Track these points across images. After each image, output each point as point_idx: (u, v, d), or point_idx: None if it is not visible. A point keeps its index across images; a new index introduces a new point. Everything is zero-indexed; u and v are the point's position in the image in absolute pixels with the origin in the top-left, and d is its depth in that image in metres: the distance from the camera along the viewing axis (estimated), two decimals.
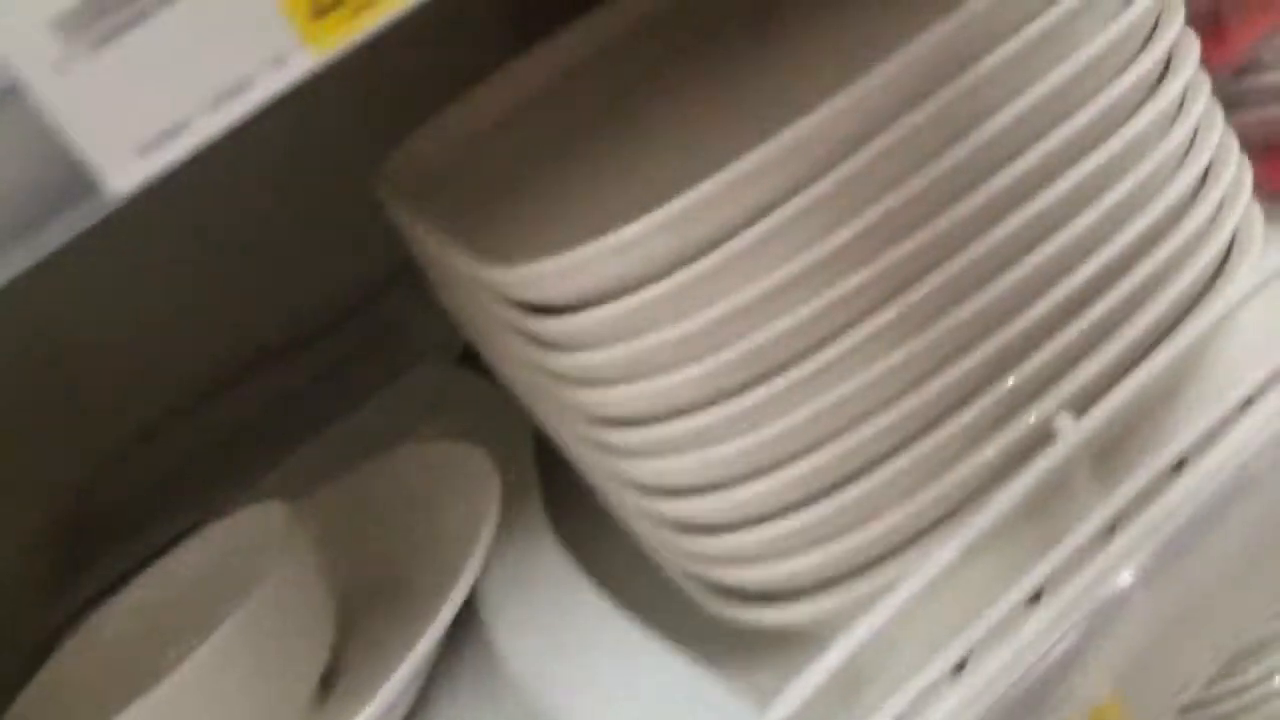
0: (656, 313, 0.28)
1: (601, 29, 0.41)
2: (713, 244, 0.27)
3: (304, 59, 0.19)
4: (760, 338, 0.28)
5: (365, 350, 0.49)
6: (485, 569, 0.36)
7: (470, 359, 0.42)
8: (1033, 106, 0.28)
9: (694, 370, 0.28)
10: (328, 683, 0.37)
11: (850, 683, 0.29)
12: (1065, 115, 0.29)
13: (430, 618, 0.33)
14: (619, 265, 0.27)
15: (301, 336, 0.50)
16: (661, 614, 0.34)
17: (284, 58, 0.18)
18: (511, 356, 0.33)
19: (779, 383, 0.29)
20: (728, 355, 0.28)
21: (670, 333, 0.28)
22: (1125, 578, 0.31)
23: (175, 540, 0.43)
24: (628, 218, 0.27)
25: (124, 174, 0.19)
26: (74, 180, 0.18)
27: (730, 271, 0.27)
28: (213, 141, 0.19)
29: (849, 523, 0.30)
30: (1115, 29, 0.28)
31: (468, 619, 0.36)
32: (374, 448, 0.43)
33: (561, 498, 0.39)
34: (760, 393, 0.29)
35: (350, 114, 0.45)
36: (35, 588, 0.48)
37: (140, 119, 0.18)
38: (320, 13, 0.18)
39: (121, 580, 0.43)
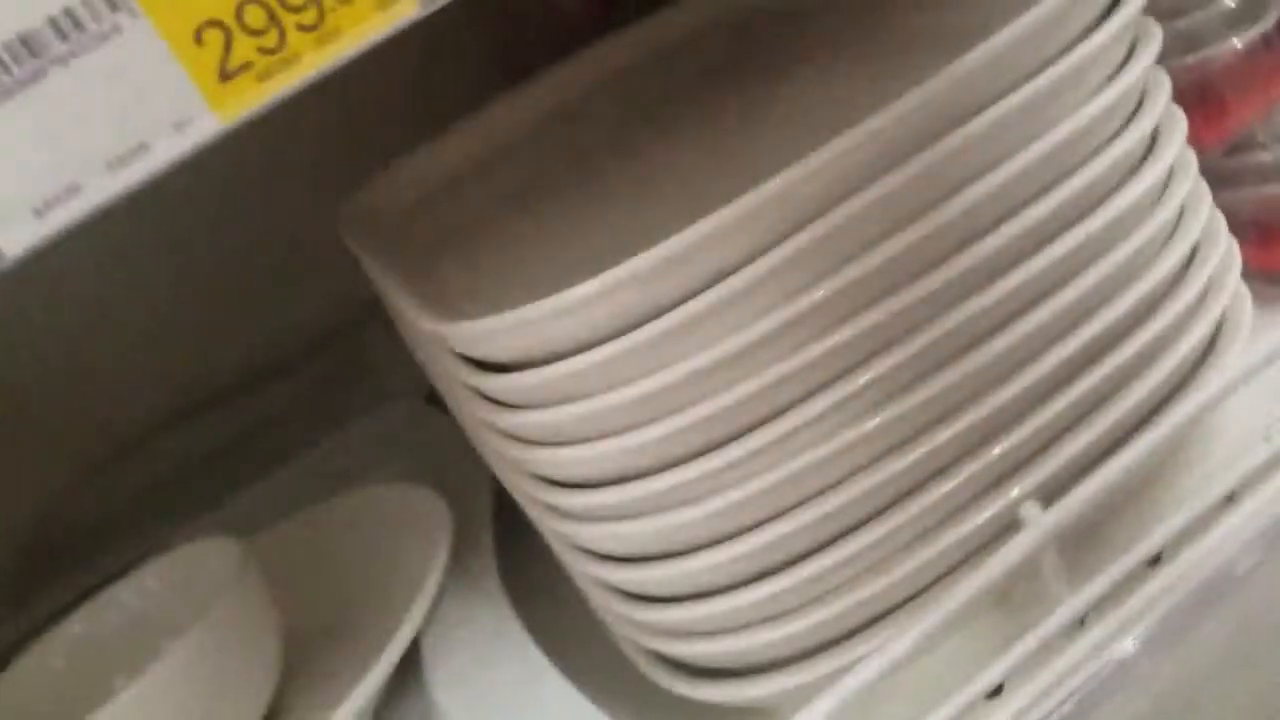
0: (610, 373, 0.27)
1: (577, 76, 0.40)
2: (673, 304, 0.26)
3: (209, 123, 0.18)
4: (718, 403, 0.27)
5: (334, 383, 0.48)
6: (431, 616, 0.35)
7: (437, 398, 0.41)
8: (1012, 178, 0.27)
9: (649, 433, 0.27)
10: None
11: None
12: (1045, 189, 0.28)
13: (374, 662, 0.33)
14: (567, 325, 0.26)
15: (271, 367, 0.50)
16: (608, 676, 0.32)
17: (187, 122, 0.17)
18: (461, 407, 0.32)
19: (735, 450, 0.27)
20: (682, 419, 0.27)
21: (624, 394, 0.27)
22: (1093, 675, 0.29)
23: (132, 565, 0.42)
24: (584, 274, 0.26)
25: (16, 236, 0.18)
26: None
27: (688, 334, 0.26)
28: (110, 204, 0.18)
29: (806, 600, 0.29)
30: (1098, 104, 0.27)
31: (414, 664, 0.36)
32: (338, 481, 0.42)
33: (519, 544, 0.38)
34: (716, 460, 0.27)
35: (328, 143, 0.44)
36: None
37: (34, 181, 0.17)
38: (226, 77, 0.17)
39: (79, 600, 0.42)
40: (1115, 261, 0.28)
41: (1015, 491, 0.28)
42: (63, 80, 0.17)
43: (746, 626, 0.29)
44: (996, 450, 0.29)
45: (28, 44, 0.17)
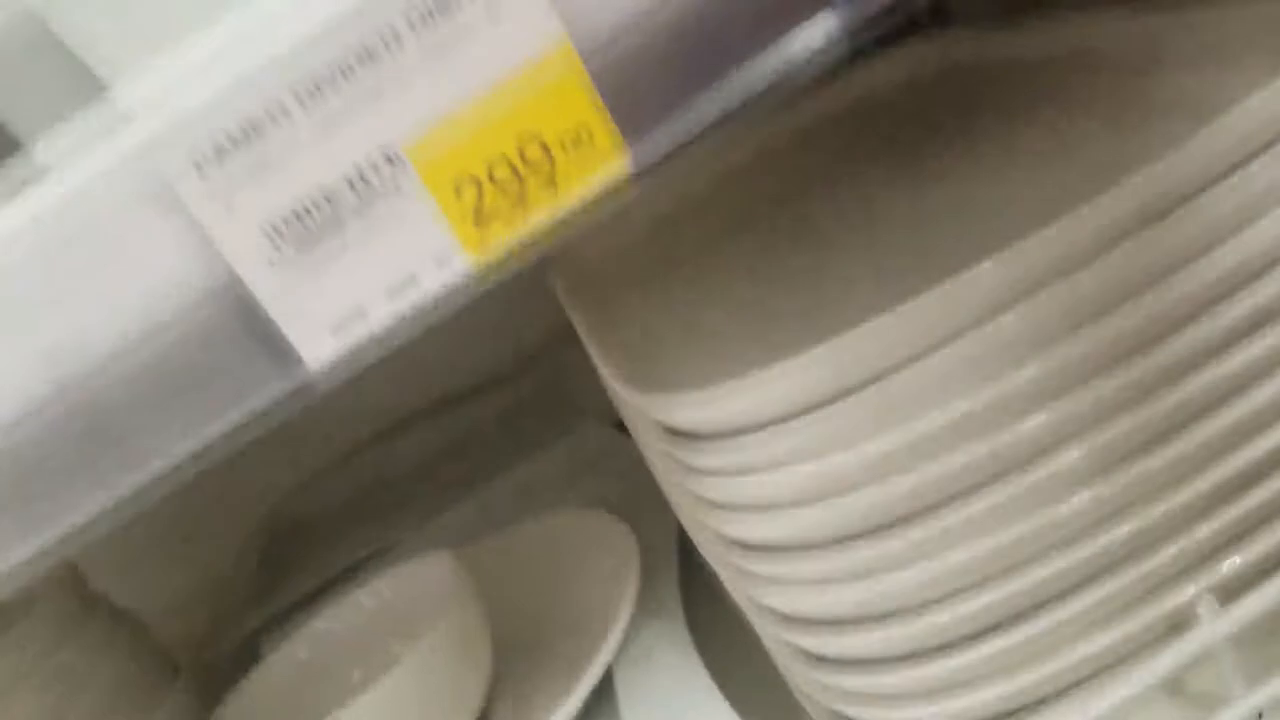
0: (811, 443, 0.28)
1: (790, 122, 0.42)
2: (869, 381, 0.27)
3: (463, 260, 0.21)
4: (921, 477, 0.28)
5: (536, 403, 0.53)
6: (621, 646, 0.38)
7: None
8: (1238, 261, 0.27)
9: (840, 506, 0.28)
10: None
11: None
12: (1269, 270, 0.27)
13: (570, 689, 0.36)
14: (772, 397, 0.27)
15: (476, 386, 0.55)
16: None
17: (446, 260, 0.21)
18: (654, 463, 0.35)
19: (946, 518, 0.28)
20: (900, 485, 0.28)
21: (818, 466, 0.28)
22: None
23: (359, 563, 0.48)
24: (784, 347, 0.27)
25: (318, 350, 0.22)
26: (280, 354, 0.22)
27: (908, 399, 0.27)
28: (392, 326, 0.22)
29: (985, 673, 0.29)
30: None
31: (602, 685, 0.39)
32: (535, 500, 0.46)
33: (702, 570, 0.41)
34: (923, 529, 0.28)
35: None
36: (240, 594, 0.54)
37: (331, 306, 0.22)
38: (479, 223, 0.21)
39: (308, 598, 0.48)
40: None
41: (1192, 588, 0.28)
42: (355, 226, 0.21)
43: (915, 699, 0.30)
44: (1183, 541, 0.28)
45: (329, 198, 0.21)
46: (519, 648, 0.42)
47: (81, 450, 0.22)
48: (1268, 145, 0.27)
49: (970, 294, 0.26)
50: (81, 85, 0.22)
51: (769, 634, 0.33)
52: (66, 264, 0.21)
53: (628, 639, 0.38)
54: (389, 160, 0.21)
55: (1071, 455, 0.27)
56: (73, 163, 0.20)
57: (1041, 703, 0.29)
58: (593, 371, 0.43)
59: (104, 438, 0.22)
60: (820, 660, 0.32)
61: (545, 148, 0.21)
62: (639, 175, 0.21)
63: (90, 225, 0.21)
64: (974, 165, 0.36)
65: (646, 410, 0.31)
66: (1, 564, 0.22)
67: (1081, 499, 0.28)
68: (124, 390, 0.22)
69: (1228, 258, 0.27)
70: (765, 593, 0.31)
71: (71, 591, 0.47)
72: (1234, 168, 0.27)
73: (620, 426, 0.49)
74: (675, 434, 0.31)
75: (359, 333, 0.22)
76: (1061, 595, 0.29)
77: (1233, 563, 0.29)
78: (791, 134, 0.42)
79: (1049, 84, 0.38)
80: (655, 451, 0.33)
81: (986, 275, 0.26)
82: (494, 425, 0.53)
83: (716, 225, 0.40)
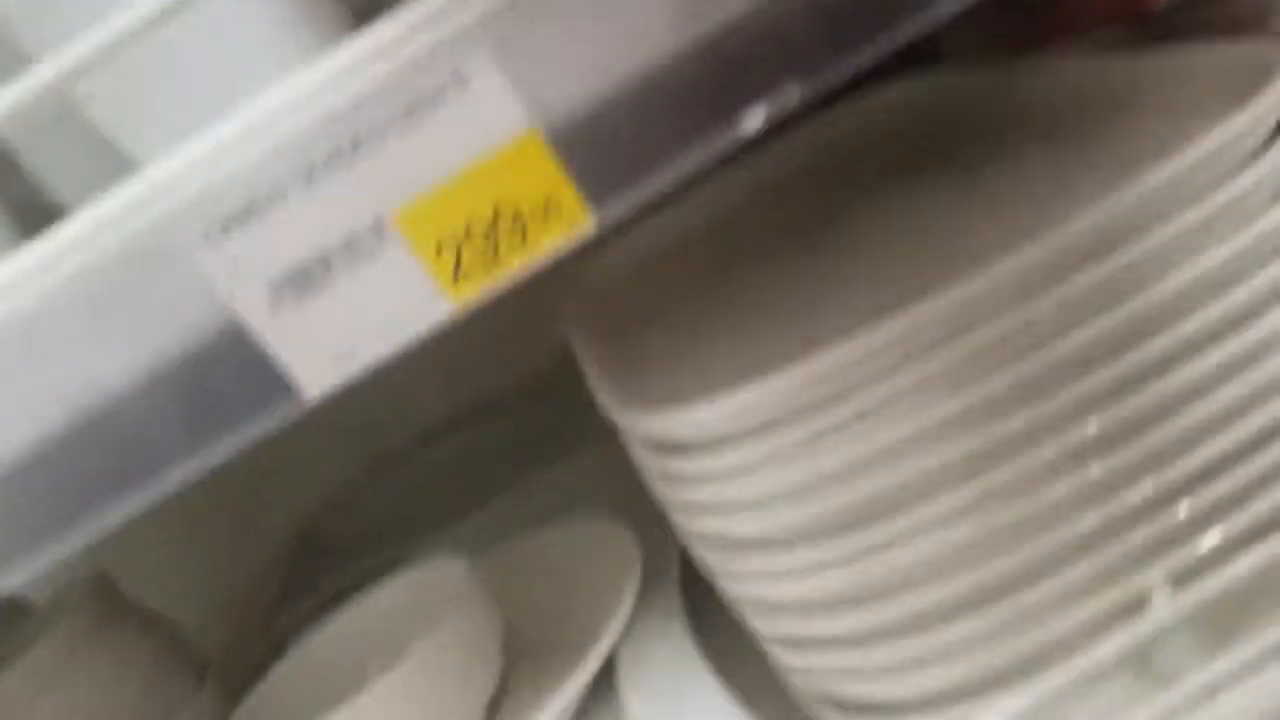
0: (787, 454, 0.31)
1: (791, 153, 0.44)
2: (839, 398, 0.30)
3: (445, 306, 0.24)
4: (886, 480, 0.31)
5: (542, 423, 0.56)
6: (624, 640, 0.41)
7: None
8: (1194, 277, 0.30)
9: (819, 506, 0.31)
10: None
11: None
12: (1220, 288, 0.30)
13: (570, 674, 0.39)
14: (750, 412, 0.30)
15: (486, 407, 0.57)
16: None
17: (430, 306, 0.24)
18: (642, 467, 0.38)
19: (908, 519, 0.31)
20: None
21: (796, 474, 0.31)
22: None
23: (381, 569, 0.51)
24: (756, 367, 0.30)
25: (315, 384, 0.25)
26: (280, 388, 0.24)
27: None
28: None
29: (960, 650, 0.32)
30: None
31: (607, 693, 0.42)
32: (542, 513, 0.49)
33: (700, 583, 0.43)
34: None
35: None
36: (267, 600, 0.57)
37: (326, 347, 0.24)
38: (458, 277, 0.24)
39: (333, 601, 0.51)
40: None
41: (1156, 571, 0.31)
42: (348, 281, 0.24)
43: (891, 674, 0.33)
44: (1141, 531, 0.31)
45: (326, 258, 0.24)
46: (528, 645, 0.44)
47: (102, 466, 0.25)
48: (1218, 180, 0.30)
49: (933, 315, 0.29)
50: (112, 163, 0.25)
51: (757, 625, 0.36)
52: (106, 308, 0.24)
53: (631, 631, 0.41)
54: (377, 226, 0.23)
55: (1041, 457, 0.30)
56: (106, 226, 0.23)
57: (1008, 679, 0.31)
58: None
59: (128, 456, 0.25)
60: (804, 643, 0.34)
61: (517, 215, 0.23)
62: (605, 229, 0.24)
63: (121, 281, 0.24)
64: (964, 196, 0.39)
65: (628, 425, 0.33)
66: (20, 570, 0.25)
67: (1043, 496, 0.30)
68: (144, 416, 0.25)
69: (1186, 274, 0.30)
70: (750, 584, 0.34)
71: (102, 595, 0.49)
72: (1186, 200, 0.30)
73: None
74: (656, 445, 0.33)
75: (351, 369, 0.24)
76: (1027, 580, 0.31)
77: (1189, 550, 0.31)
78: (788, 167, 0.44)
79: (1035, 121, 0.40)
80: (640, 459, 0.35)
81: (947, 299, 0.29)
82: (501, 445, 0.56)
83: (716, 257, 0.43)
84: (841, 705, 0.35)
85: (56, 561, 0.26)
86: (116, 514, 0.26)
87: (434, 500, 0.56)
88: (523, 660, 0.44)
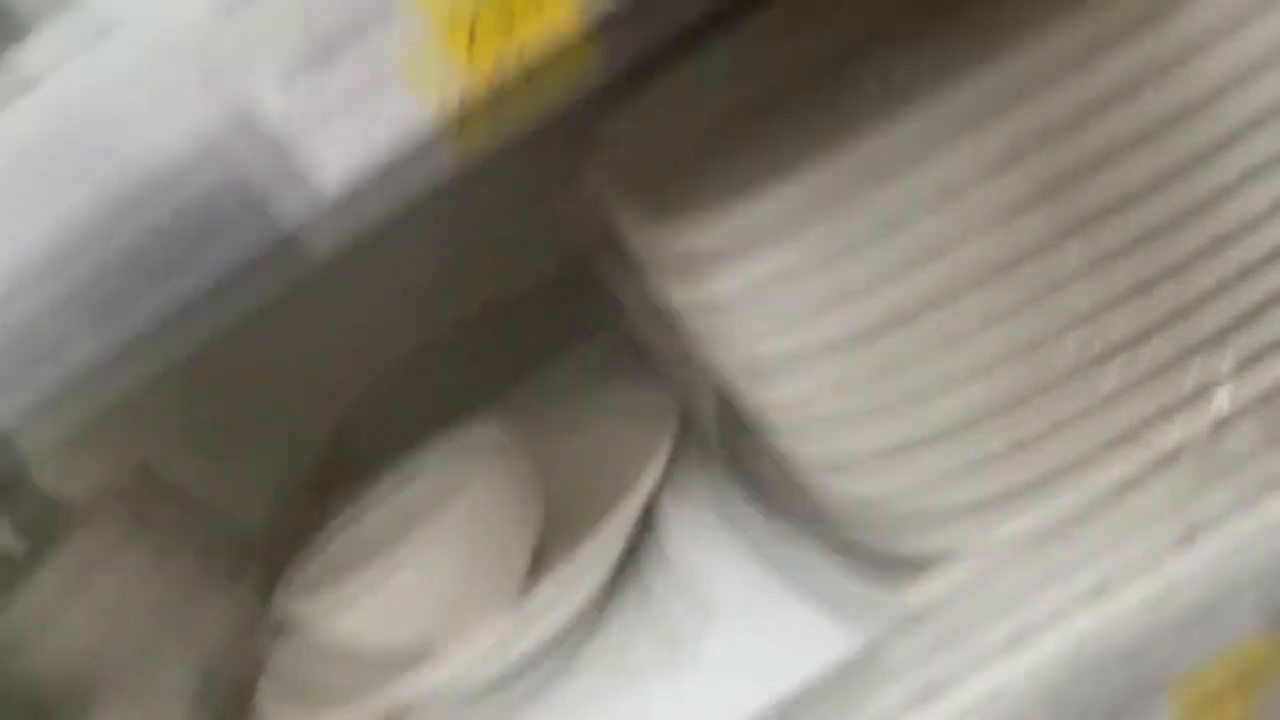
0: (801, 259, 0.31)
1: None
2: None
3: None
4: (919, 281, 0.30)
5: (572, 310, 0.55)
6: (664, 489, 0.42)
7: None
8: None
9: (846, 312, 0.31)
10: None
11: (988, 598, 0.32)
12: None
13: (614, 515, 0.40)
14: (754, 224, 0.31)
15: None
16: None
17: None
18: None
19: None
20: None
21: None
22: None
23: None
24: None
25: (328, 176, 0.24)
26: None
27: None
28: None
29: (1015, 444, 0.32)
30: None
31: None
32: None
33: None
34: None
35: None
36: (309, 486, 0.58)
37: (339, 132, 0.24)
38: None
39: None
40: None
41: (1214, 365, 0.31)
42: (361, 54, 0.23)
43: (934, 484, 0.33)
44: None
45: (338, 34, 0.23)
46: (568, 500, 0.44)
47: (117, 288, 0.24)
48: None
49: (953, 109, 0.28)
50: None
51: (790, 447, 0.36)
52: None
53: (669, 476, 0.42)
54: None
55: (1069, 254, 0.29)
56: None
57: (1034, 492, 0.31)
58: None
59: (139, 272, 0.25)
60: (837, 461, 0.34)
61: None
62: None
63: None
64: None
65: (661, 248, 0.33)
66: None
67: (1073, 296, 0.30)
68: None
69: (1232, 55, 0.29)
70: (781, 410, 0.34)
71: (144, 483, 0.50)
72: None
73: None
74: (686, 264, 0.33)
75: (364, 158, 0.24)
76: (1061, 381, 0.30)
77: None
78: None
79: None
80: (669, 295, 0.35)
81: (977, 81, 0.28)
82: (530, 332, 0.56)
83: (742, 106, 0.42)
84: (875, 524, 0.35)
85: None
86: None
87: (464, 393, 0.56)
88: (563, 514, 0.44)
